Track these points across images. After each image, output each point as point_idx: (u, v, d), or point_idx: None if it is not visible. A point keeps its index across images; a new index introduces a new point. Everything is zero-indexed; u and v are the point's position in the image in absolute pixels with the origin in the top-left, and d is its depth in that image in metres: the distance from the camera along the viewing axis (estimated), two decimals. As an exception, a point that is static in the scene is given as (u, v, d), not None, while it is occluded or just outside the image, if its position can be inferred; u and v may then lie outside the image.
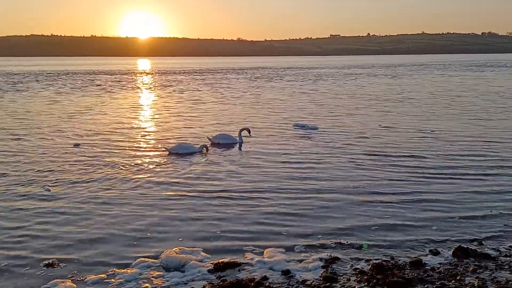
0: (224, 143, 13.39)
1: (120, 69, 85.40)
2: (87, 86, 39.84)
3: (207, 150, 12.50)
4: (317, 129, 15.81)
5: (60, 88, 37.33)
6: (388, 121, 17.73)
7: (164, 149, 12.41)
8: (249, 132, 14.04)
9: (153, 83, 44.36)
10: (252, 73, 63.96)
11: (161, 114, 20.80)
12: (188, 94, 31.46)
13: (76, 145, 13.35)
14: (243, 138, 13.68)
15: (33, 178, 9.79)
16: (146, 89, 36.99)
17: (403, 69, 69.79)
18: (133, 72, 70.18)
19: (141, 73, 68.96)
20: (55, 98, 28.43)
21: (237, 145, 13.36)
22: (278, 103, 25.04)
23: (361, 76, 51.72)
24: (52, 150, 12.76)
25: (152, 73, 67.27)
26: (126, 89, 36.94)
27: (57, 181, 9.59)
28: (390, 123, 17.06)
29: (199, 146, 12.51)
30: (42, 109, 22.53)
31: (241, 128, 14.07)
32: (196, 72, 68.20)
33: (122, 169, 10.54)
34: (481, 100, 25.09)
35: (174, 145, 12.60)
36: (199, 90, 34.48)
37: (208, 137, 13.77)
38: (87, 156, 11.89)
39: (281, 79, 48.09)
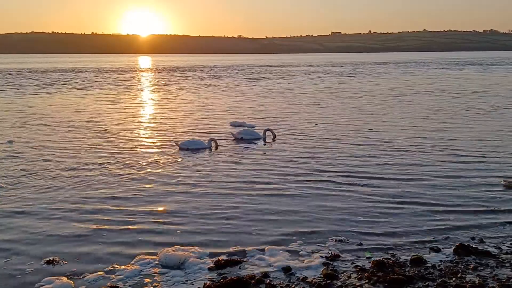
0: (247, 138, 13.57)
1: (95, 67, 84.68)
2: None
3: (217, 144, 12.59)
4: (254, 127, 15.73)
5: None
6: (325, 119, 17.87)
7: (175, 144, 12.55)
8: (275, 136, 13.93)
9: (112, 81, 43.25)
10: (222, 71, 63.69)
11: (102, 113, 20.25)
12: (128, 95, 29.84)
13: (10, 142, 13.45)
14: (266, 136, 13.89)
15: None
16: (86, 87, 35.58)
17: (380, 67, 68.71)
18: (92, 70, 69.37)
19: (101, 70, 67.79)
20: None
21: (260, 140, 13.55)
22: (220, 102, 24.71)
23: (321, 75, 50.25)
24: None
25: (117, 71, 66.49)
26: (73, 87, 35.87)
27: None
28: (327, 121, 17.22)
29: (207, 141, 12.58)
30: None
31: (266, 128, 14.16)
32: (168, 71, 67.52)
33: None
34: (424, 98, 25.34)
35: (184, 140, 12.74)
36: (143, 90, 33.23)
37: (231, 133, 13.90)
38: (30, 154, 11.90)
39: (248, 78, 47.07)
